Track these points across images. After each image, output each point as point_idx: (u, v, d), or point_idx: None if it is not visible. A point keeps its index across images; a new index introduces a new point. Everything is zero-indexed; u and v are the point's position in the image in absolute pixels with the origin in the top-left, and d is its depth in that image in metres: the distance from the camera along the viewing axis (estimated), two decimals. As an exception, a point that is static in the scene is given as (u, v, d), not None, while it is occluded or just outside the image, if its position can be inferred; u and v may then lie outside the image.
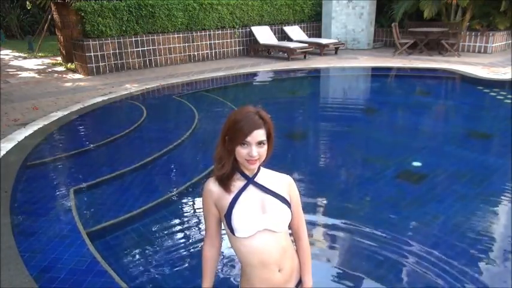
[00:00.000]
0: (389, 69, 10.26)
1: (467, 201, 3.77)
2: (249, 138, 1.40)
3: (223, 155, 1.47)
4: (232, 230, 1.44)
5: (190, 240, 3.28)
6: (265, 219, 1.45)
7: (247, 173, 1.49)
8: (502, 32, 12.20)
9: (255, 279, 1.48)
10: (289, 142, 5.56)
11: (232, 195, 1.46)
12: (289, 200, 1.52)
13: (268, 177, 1.53)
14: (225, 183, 1.47)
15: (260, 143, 1.42)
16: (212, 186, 1.50)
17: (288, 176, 1.60)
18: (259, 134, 1.41)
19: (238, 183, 1.49)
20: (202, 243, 3.11)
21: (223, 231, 1.57)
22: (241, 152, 1.42)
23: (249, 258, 1.46)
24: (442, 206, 3.68)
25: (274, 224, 1.46)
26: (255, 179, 1.50)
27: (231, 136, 1.43)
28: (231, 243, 1.51)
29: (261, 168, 1.53)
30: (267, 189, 1.49)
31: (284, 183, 1.55)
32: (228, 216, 1.44)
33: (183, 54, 11.38)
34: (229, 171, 1.47)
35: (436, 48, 11.91)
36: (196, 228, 3.47)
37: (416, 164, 4.63)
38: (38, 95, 8.00)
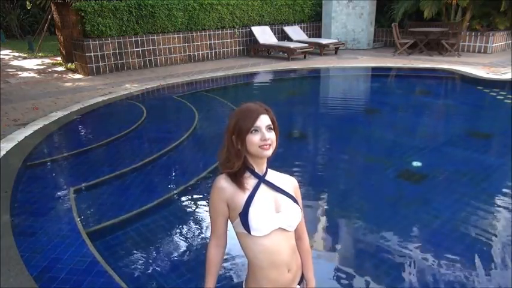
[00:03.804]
0: (389, 69, 10.26)
1: (468, 201, 3.77)
2: (258, 123, 1.42)
3: (232, 155, 1.46)
4: (248, 229, 1.42)
5: (191, 240, 3.28)
6: (279, 218, 1.45)
7: (257, 171, 1.49)
8: (502, 32, 12.21)
9: (263, 279, 1.47)
10: (290, 142, 5.55)
11: (247, 193, 1.44)
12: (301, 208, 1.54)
13: (276, 177, 1.54)
14: (238, 179, 1.46)
15: (268, 127, 1.44)
16: (224, 183, 1.47)
17: (293, 178, 1.61)
18: (266, 119, 1.44)
19: (250, 181, 1.47)
20: (202, 243, 3.13)
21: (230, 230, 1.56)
22: (253, 139, 1.42)
23: (261, 258, 1.45)
24: (442, 206, 3.68)
25: (287, 223, 1.47)
26: (266, 178, 1.50)
27: (239, 129, 1.43)
28: (241, 243, 1.49)
29: (268, 169, 1.53)
30: (279, 188, 1.50)
31: (291, 184, 1.57)
32: (244, 215, 1.42)
33: (183, 54, 11.38)
34: (240, 168, 1.46)
35: (436, 48, 11.91)
36: (197, 228, 3.47)
37: (416, 163, 4.63)
38: (38, 95, 8.00)
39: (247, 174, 1.48)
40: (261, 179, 1.48)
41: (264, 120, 1.43)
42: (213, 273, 1.57)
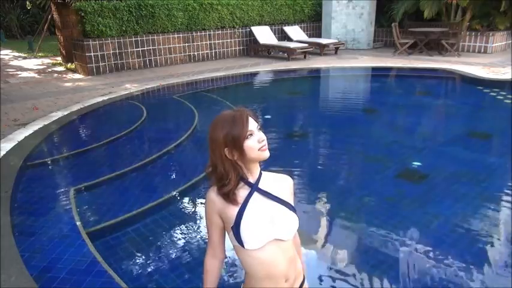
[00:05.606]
0: (389, 69, 10.26)
1: (467, 201, 3.77)
2: (251, 127, 1.36)
3: (228, 169, 1.38)
4: (241, 243, 1.38)
5: (191, 241, 3.28)
6: (274, 230, 1.39)
7: (251, 178, 1.43)
8: (502, 32, 12.20)
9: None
10: (290, 142, 5.55)
11: (238, 206, 1.39)
12: (294, 205, 1.48)
13: (270, 181, 1.47)
14: (230, 197, 1.39)
15: (258, 128, 1.39)
16: (215, 196, 1.42)
17: (288, 176, 1.56)
18: (252, 120, 1.39)
19: (242, 192, 1.41)
20: (202, 243, 3.12)
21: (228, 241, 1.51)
22: (251, 143, 1.36)
23: (257, 270, 1.41)
24: (442, 206, 3.68)
25: (283, 233, 1.41)
26: (259, 185, 1.43)
27: (233, 139, 1.35)
28: (237, 255, 1.46)
29: (262, 172, 1.48)
30: (273, 196, 1.43)
31: (287, 186, 1.52)
32: (236, 228, 1.37)
33: (183, 54, 11.38)
34: (235, 185, 1.40)
35: (436, 48, 11.90)
36: (196, 229, 3.47)
37: (416, 163, 4.63)
38: (38, 95, 8.00)
39: (240, 184, 1.41)
40: (253, 188, 1.42)
41: (253, 122, 1.38)
42: (210, 285, 1.52)
